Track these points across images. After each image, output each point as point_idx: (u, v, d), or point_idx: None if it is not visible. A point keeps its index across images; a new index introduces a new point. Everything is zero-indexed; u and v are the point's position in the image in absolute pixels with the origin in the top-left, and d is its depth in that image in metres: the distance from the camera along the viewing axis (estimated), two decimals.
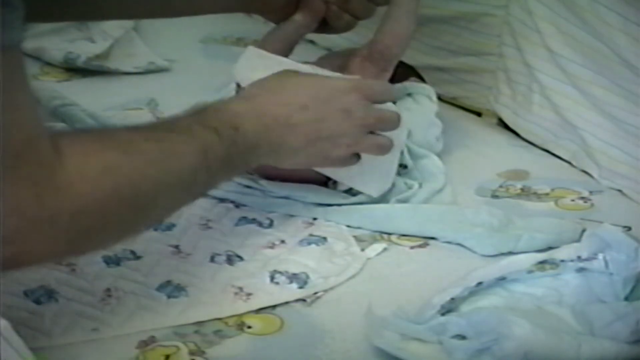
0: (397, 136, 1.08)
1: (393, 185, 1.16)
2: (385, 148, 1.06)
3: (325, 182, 1.16)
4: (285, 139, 0.98)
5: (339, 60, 1.19)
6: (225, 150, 0.90)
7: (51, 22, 1.46)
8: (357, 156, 1.06)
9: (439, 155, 1.23)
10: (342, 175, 1.10)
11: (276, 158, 1.00)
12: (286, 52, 1.18)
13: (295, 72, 1.04)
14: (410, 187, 1.16)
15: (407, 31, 1.15)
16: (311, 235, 1.08)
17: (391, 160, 1.11)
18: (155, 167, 0.84)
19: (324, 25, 1.18)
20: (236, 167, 0.97)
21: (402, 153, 1.17)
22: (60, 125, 1.24)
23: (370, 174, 1.10)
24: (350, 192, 1.15)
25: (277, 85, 1.01)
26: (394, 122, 1.06)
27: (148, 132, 0.87)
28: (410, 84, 1.27)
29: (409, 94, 1.26)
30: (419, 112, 1.23)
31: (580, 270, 0.99)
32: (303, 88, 1.01)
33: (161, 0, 1.17)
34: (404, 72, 1.26)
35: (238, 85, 1.13)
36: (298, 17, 1.18)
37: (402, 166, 1.19)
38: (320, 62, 1.25)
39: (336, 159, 1.04)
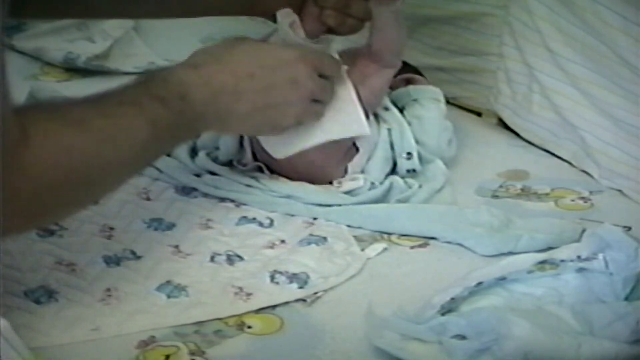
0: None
1: (392, 185, 1.16)
2: (318, 115, 1.08)
3: (330, 181, 1.16)
4: (233, 107, 0.99)
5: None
6: (173, 120, 0.92)
7: (54, 18, 1.46)
8: (321, 105, 1.07)
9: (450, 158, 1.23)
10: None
11: (223, 126, 1.02)
12: None
13: (244, 40, 1.04)
14: (410, 187, 1.16)
15: (397, 37, 1.14)
16: (311, 235, 1.08)
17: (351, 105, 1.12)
18: (108, 145, 0.86)
19: (329, 30, 1.17)
20: (184, 136, 1.00)
21: (412, 157, 1.18)
22: None
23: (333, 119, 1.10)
24: (351, 192, 1.15)
25: (225, 53, 1.01)
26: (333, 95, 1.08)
27: (100, 108, 0.88)
28: (415, 88, 1.26)
29: (415, 99, 1.24)
30: (428, 119, 1.22)
31: (580, 270, 0.99)
32: (250, 56, 1.02)
33: (159, 1, 1.16)
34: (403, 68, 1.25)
35: None
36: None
37: (411, 171, 1.19)
38: None
39: (284, 127, 1.05)
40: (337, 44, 1.14)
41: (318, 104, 1.07)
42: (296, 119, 1.05)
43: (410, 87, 1.26)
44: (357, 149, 1.16)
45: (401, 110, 1.22)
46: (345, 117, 1.10)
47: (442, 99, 1.26)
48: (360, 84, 1.12)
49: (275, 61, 1.02)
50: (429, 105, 1.24)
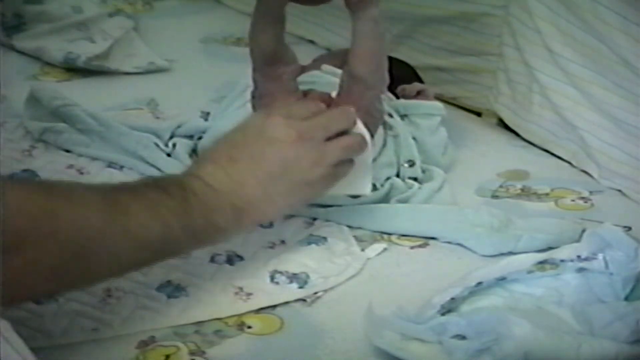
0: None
1: (392, 185, 1.16)
2: (357, 144, 1.02)
3: None
4: (258, 216, 0.97)
5: (337, 60, 1.19)
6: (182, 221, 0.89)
7: None
8: (348, 163, 1.02)
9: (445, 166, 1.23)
10: None
11: (245, 215, 0.96)
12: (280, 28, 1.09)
13: (262, 127, 0.98)
14: (410, 187, 1.16)
15: (373, 50, 1.07)
16: (311, 235, 1.08)
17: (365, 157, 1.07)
18: (99, 218, 0.82)
19: None
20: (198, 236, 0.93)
21: (414, 165, 1.18)
22: (61, 126, 1.24)
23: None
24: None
25: (258, 149, 0.97)
26: (357, 147, 1.02)
27: (102, 202, 0.84)
28: (405, 104, 1.23)
29: (405, 115, 1.23)
30: (419, 143, 1.21)
31: (580, 270, 0.99)
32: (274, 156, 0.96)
33: None
34: (406, 74, 1.25)
35: (253, 96, 1.13)
36: None
37: (414, 179, 1.19)
38: (320, 62, 1.25)
39: (315, 184, 0.99)
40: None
41: (345, 164, 1.01)
42: (318, 169, 0.98)
43: (400, 102, 1.25)
44: None
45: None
46: (355, 175, 1.05)
47: (437, 111, 1.25)
48: (355, 107, 1.07)
49: (275, 147, 0.96)
50: (419, 121, 1.23)
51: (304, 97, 1.10)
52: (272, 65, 1.08)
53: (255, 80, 1.11)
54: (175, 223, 0.87)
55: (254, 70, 1.10)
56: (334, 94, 1.09)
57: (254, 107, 1.13)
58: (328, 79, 1.20)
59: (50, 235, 0.78)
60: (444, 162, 1.23)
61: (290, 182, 0.97)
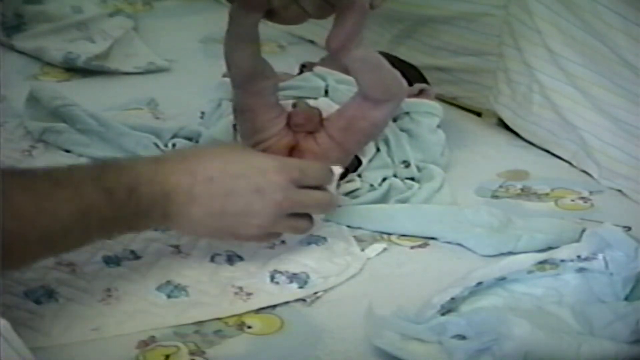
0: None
1: (391, 185, 1.16)
2: (302, 230, 1.02)
3: None
4: (184, 209, 0.94)
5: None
6: (111, 214, 0.89)
7: None
8: (276, 234, 1.02)
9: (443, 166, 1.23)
10: None
11: (173, 226, 0.98)
12: (255, 46, 1.09)
13: (230, 145, 1.00)
14: (410, 187, 1.16)
15: (373, 80, 1.07)
16: (311, 235, 1.08)
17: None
18: (25, 222, 0.84)
19: (273, 14, 1.05)
20: (121, 230, 0.94)
21: (410, 165, 1.18)
22: (61, 126, 1.24)
23: None
24: (351, 194, 1.15)
25: (195, 153, 0.99)
26: (323, 207, 1.03)
27: (32, 183, 0.86)
28: (407, 102, 1.22)
29: (407, 112, 1.23)
30: (417, 134, 1.21)
31: (580, 270, 0.99)
32: (217, 160, 0.97)
33: None
34: (412, 76, 1.25)
35: (234, 110, 1.13)
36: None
37: (410, 179, 1.19)
38: (324, 63, 1.25)
39: (247, 237, 1.00)
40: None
41: (300, 218, 1.00)
42: (261, 230, 0.98)
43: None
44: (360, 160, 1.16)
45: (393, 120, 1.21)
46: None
47: (437, 112, 1.24)
48: (361, 119, 1.10)
49: (243, 168, 0.97)
50: (420, 119, 1.23)
51: (292, 109, 1.11)
52: (250, 81, 1.08)
53: (235, 96, 1.11)
54: (98, 226, 0.90)
55: (234, 86, 1.10)
56: (321, 100, 1.10)
57: (235, 120, 1.14)
58: (315, 82, 1.20)
59: None
60: (442, 162, 1.23)
61: (224, 198, 0.96)
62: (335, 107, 1.13)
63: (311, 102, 1.14)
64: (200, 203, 0.94)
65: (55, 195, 0.86)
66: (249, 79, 1.08)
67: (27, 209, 0.84)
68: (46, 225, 0.86)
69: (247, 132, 1.11)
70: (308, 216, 1.02)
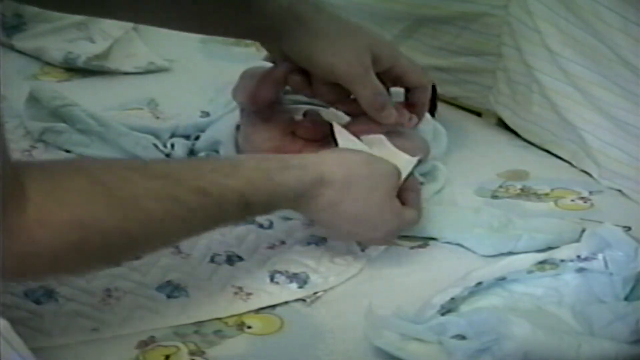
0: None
1: None
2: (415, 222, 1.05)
3: None
4: (337, 196, 0.96)
5: None
6: (226, 217, 0.91)
7: (68, 12, 1.40)
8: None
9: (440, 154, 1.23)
10: None
11: (310, 213, 0.99)
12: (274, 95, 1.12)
13: (354, 152, 1.01)
14: None
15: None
16: (311, 235, 1.08)
17: None
18: (131, 220, 0.80)
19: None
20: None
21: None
22: (61, 126, 1.24)
23: None
24: None
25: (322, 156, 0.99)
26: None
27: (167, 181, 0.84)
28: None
29: None
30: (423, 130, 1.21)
31: (580, 270, 0.99)
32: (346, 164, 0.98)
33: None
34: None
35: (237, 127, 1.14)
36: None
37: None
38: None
39: (373, 241, 1.05)
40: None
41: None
42: (389, 236, 1.02)
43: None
44: None
45: None
46: None
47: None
48: (369, 133, 1.09)
49: (373, 174, 0.99)
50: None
51: (302, 118, 1.12)
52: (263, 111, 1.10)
53: (242, 118, 1.13)
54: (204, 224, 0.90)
55: (242, 111, 1.13)
56: (331, 111, 1.11)
57: (237, 135, 1.15)
58: None
59: (77, 246, 0.77)
60: (438, 151, 1.23)
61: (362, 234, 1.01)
62: (346, 118, 1.13)
63: (322, 112, 1.14)
64: (350, 195, 0.96)
65: (184, 198, 0.84)
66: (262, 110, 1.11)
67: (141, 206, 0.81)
68: (166, 228, 0.85)
69: (253, 136, 1.12)
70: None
